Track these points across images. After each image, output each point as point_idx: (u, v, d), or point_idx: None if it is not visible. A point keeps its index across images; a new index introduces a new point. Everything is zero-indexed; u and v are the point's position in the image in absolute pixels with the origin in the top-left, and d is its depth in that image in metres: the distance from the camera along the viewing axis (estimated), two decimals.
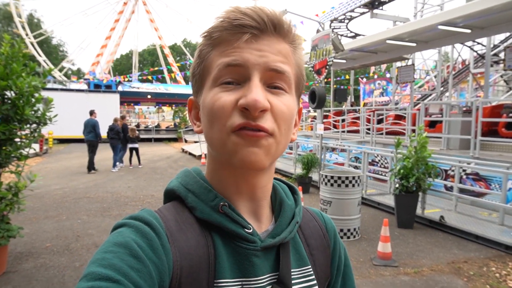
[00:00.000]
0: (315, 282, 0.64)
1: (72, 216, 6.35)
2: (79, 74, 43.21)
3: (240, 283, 0.56)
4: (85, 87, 24.45)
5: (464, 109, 8.90)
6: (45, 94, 4.28)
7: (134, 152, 12.53)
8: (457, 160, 6.69)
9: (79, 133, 21.85)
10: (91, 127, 11.07)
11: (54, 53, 45.99)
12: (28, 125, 4.09)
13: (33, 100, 4.01)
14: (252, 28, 0.55)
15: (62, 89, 23.30)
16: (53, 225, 5.81)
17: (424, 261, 4.59)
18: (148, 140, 25.28)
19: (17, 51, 3.90)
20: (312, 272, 0.65)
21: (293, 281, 0.61)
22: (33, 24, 40.15)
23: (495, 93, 17.16)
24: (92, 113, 11.43)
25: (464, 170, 6.87)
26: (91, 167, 11.33)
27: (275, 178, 0.71)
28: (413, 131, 9.12)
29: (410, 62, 13.39)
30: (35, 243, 4.99)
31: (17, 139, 4.08)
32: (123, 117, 13.18)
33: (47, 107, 4.19)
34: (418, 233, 5.73)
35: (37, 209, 6.73)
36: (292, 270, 0.61)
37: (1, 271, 3.98)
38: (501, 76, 15.26)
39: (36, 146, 15.30)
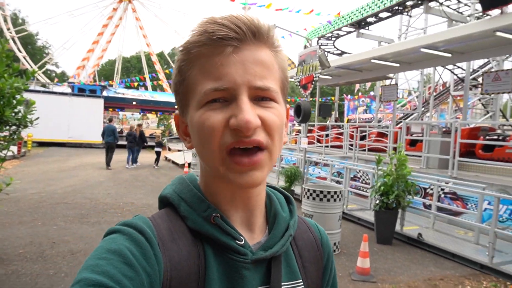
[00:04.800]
0: None
1: (48, 222, 6.16)
2: (63, 77, 42.48)
3: None
4: (68, 90, 24.03)
5: (444, 129, 9.16)
6: (27, 96, 4.21)
7: (157, 154, 15.42)
8: (436, 179, 6.86)
9: (60, 137, 21.91)
10: (111, 131, 13.62)
11: (39, 54, 45.15)
12: (7, 127, 4.00)
13: (15, 101, 3.94)
14: (232, 39, 0.53)
15: (44, 92, 22.82)
16: (27, 230, 5.63)
17: (402, 277, 4.64)
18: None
19: (0, 51, 3.84)
20: (302, 286, 0.64)
21: None
22: (17, 24, 39.32)
23: (473, 115, 17.74)
24: (111, 120, 15.32)
25: (442, 189, 7.04)
26: (109, 164, 13.57)
27: (271, 187, 0.71)
28: (394, 149, 9.31)
29: (393, 82, 13.74)
30: (7, 249, 4.81)
31: None
32: (140, 125, 15.78)
33: (28, 110, 4.12)
34: (396, 249, 5.81)
35: (11, 213, 6.51)
36: (281, 283, 0.61)
37: None
38: (479, 100, 15.81)
39: (14, 148, 14.92)
